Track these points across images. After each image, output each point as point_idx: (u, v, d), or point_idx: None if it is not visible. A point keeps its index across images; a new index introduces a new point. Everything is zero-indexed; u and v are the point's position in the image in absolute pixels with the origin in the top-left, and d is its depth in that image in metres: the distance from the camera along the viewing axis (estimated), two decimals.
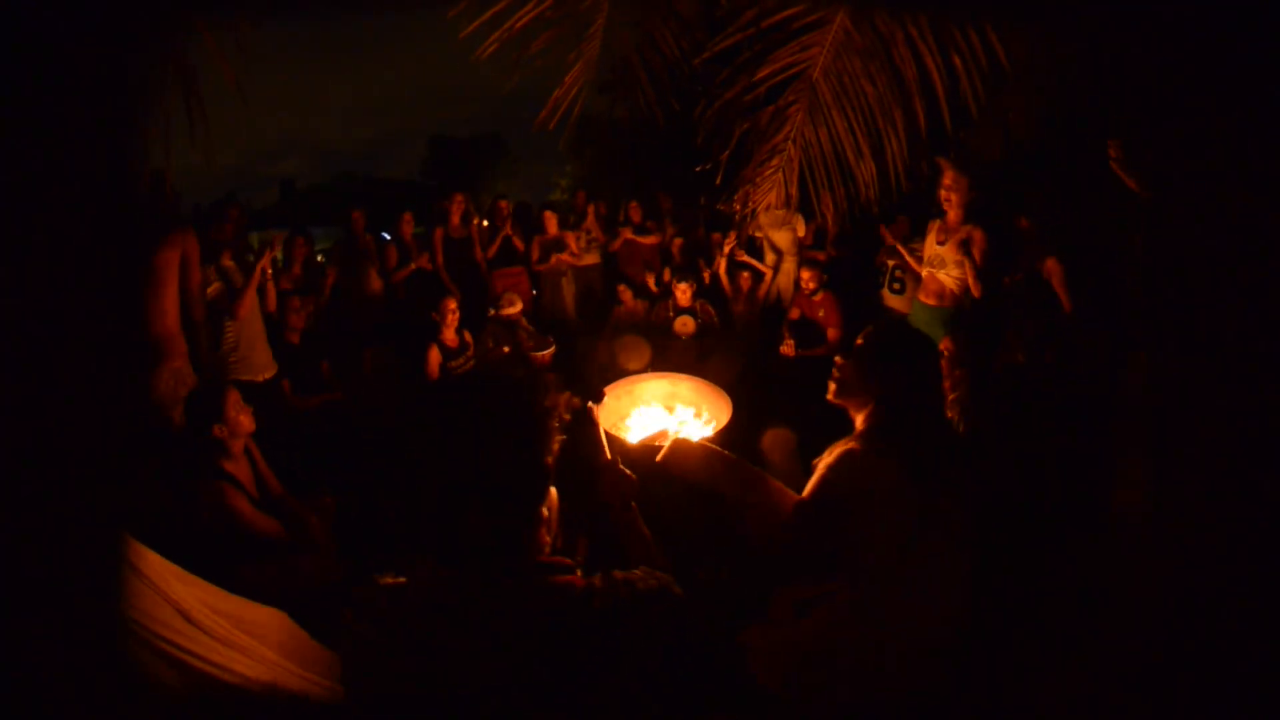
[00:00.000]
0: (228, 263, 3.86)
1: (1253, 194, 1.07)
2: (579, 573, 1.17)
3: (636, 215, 6.87)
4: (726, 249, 5.86)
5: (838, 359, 2.04)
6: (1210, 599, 1.21)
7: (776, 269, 6.02)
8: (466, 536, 1.11)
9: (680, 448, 2.05)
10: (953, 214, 3.88)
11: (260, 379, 3.95)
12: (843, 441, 1.90)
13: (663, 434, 3.59)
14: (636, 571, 1.20)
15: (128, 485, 1.07)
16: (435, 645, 1.06)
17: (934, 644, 1.78)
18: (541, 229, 6.51)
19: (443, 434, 1.12)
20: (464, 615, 1.07)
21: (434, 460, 1.11)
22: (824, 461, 1.89)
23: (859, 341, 2.00)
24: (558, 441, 1.21)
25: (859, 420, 1.95)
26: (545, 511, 1.17)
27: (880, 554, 1.76)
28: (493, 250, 6.19)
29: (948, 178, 3.81)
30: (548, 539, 1.19)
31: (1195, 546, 1.22)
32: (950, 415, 2.99)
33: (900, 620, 1.75)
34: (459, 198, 6.08)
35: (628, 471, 1.64)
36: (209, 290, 3.75)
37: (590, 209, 6.75)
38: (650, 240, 6.75)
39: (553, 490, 1.23)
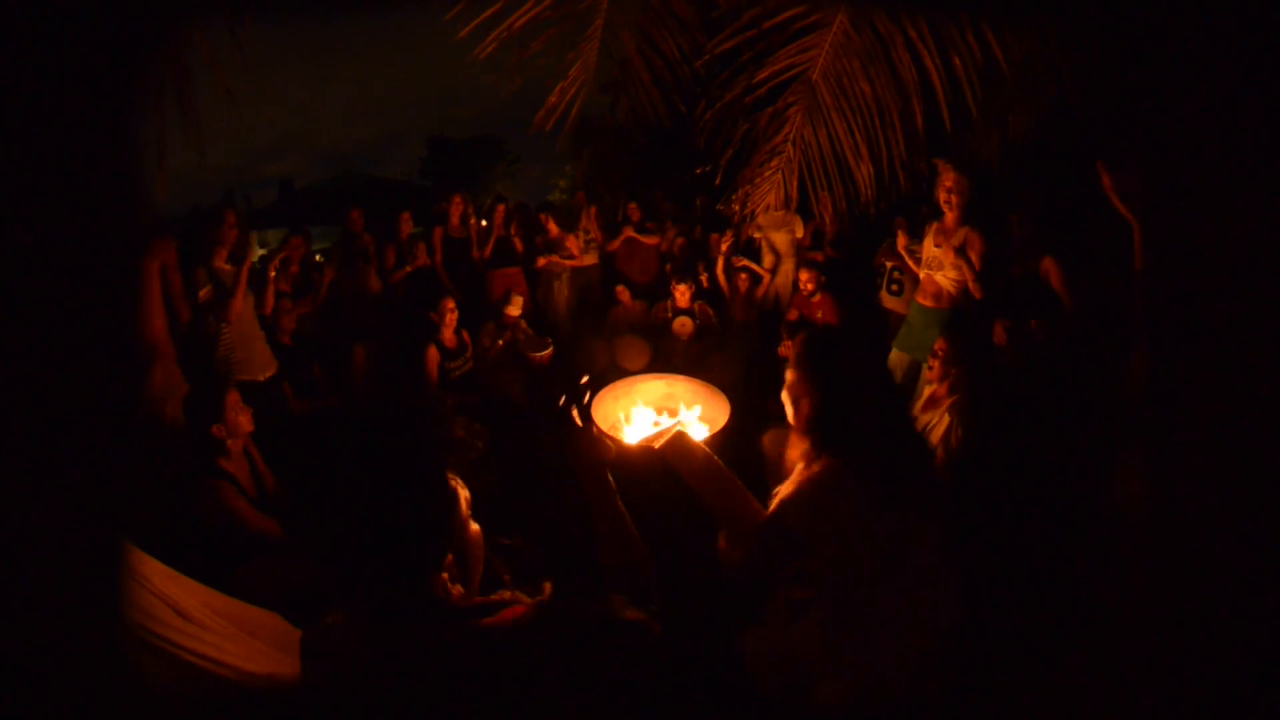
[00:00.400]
0: (223, 265, 3.85)
1: (1252, 192, 1.08)
2: (513, 604, 1.09)
3: (635, 215, 6.87)
4: (724, 248, 5.86)
5: (784, 393, 1.97)
6: (1210, 599, 1.21)
7: (775, 270, 6.03)
8: (367, 582, 1.05)
9: (681, 442, 2.04)
10: (951, 216, 3.88)
11: (261, 378, 3.94)
12: (794, 476, 1.88)
13: (660, 435, 3.60)
14: (576, 600, 1.13)
15: (128, 485, 1.07)
16: (370, 690, 1.01)
17: (922, 653, 1.78)
18: (540, 229, 6.51)
19: (336, 476, 1.05)
20: (382, 663, 1.02)
21: (329, 503, 1.05)
22: (781, 493, 1.87)
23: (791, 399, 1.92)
24: (459, 481, 1.14)
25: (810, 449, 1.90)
26: (450, 556, 1.10)
27: (850, 577, 1.75)
28: (489, 250, 6.19)
29: (949, 179, 3.82)
30: (455, 588, 1.11)
31: (1195, 546, 1.22)
32: (948, 417, 3.00)
33: (881, 634, 1.74)
34: (458, 198, 6.08)
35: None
36: (200, 293, 3.76)
37: (589, 210, 6.75)
38: (652, 240, 6.75)
39: (475, 526, 1.17)
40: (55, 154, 1.01)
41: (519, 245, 6.31)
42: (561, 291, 6.43)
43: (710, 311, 5.59)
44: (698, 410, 3.74)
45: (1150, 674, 1.34)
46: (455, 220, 6.02)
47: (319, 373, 4.58)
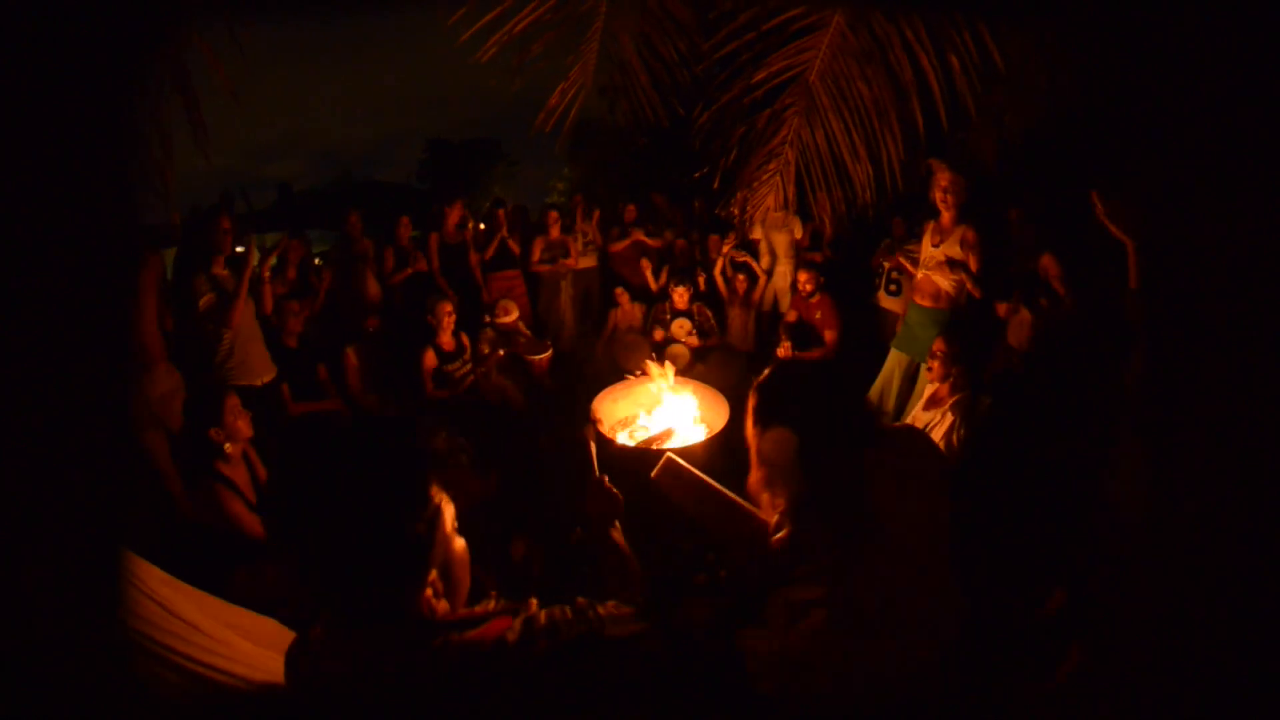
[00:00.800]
0: (221, 271, 3.85)
1: (1250, 191, 1.08)
2: (517, 614, 1.09)
3: (631, 217, 6.87)
4: (726, 249, 5.86)
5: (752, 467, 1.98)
6: (1210, 599, 1.21)
7: (770, 272, 6.02)
8: (347, 598, 1.03)
9: (672, 469, 2.05)
10: (948, 215, 3.88)
11: (259, 383, 3.94)
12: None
13: (661, 436, 3.61)
14: (565, 611, 1.11)
15: (126, 488, 1.07)
16: (355, 703, 1.01)
17: (926, 654, 1.78)
18: (541, 230, 6.51)
19: (316, 491, 1.03)
20: (364, 678, 1.01)
21: (309, 518, 1.03)
22: (778, 530, 1.88)
23: (762, 447, 1.93)
24: (444, 495, 1.11)
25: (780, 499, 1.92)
26: (434, 573, 1.07)
27: (854, 580, 1.76)
28: (489, 253, 6.19)
29: (944, 179, 3.82)
30: (439, 603, 1.08)
31: (1195, 546, 1.22)
32: (950, 416, 3.00)
33: (886, 635, 1.74)
34: (458, 204, 6.09)
35: (614, 490, 1.64)
36: (202, 301, 3.76)
37: (588, 213, 6.75)
38: (655, 243, 6.76)
39: (460, 541, 1.14)
40: (54, 158, 1.01)
41: (515, 247, 6.30)
42: (567, 293, 6.43)
43: (709, 313, 5.59)
44: (696, 413, 3.75)
45: (1150, 674, 1.34)
46: (451, 225, 6.01)
47: (324, 375, 4.57)
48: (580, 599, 1.16)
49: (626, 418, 3.88)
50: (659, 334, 5.55)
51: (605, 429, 3.53)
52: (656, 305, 5.71)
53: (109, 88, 1.06)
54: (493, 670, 1.01)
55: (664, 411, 3.77)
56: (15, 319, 0.97)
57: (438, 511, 1.10)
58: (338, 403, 4.54)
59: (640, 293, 6.24)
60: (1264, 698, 1.15)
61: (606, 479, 1.67)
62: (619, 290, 6.05)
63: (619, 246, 6.73)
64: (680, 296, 5.50)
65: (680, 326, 5.47)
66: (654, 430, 3.61)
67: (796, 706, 1.84)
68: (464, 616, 1.08)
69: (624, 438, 3.59)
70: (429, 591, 1.06)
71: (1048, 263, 3.88)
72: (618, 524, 1.59)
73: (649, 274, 6.25)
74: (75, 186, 1.02)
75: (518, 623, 1.06)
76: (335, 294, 5.48)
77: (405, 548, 1.03)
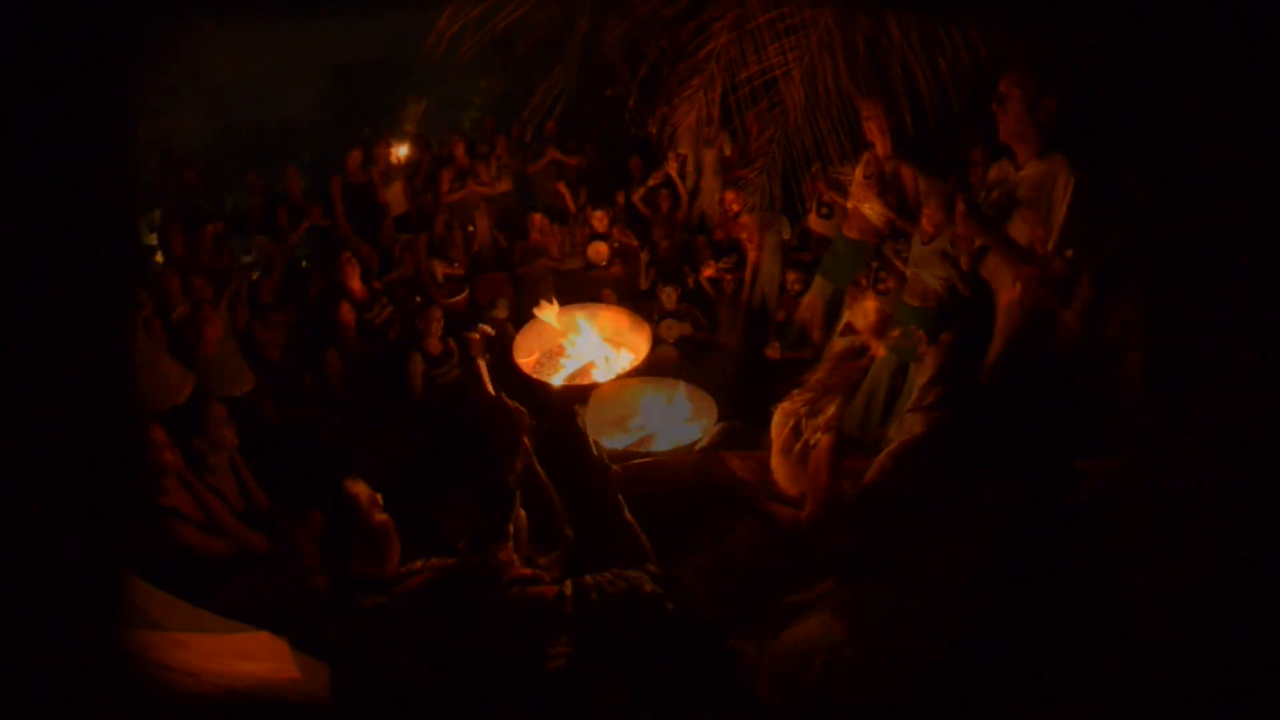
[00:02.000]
0: (197, 281, 3.80)
1: (1247, 187, 1.07)
2: (550, 578, 1.22)
3: (550, 130, 6.69)
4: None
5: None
6: (1210, 599, 1.21)
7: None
8: (445, 551, 1.15)
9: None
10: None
11: (238, 393, 3.90)
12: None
13: (587, 369, 3.52)
14: (605, 574, 1.24)
15: (122, 507, 1.05)
16: (417, 657, 1.10)
17: (932, 647, 1.77)
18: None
19: (424, 455, 1.19)
20: (444, 629, 1.11)
21: (417, 478, 1.19)
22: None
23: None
24: (520, 462, 1.26)
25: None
26: (511, 528, 1.20)
27: (907, 552, 1.77)
28: (419, 180, 6.04)
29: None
30: (515, 556, 1.21)
31: (1195, 546, 1.22)
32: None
33: (905, 624, 1.74)
34: (384, 142, 5.99)
35: (514, 405, 1.58)
36: (175, 312, 3.72)
37: (499, 134, 6.61)
38: (574, 160, 6.65)
39: (522, 513, 1.26)
40: (55, 155, 0.99)
41: (502, 241, 6.21)
42: (483, 223, 6.25)
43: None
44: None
45: (1150, 673, 1.34)
46: (354, 165, 5.75)
47: (310, 382, 4.50)
48: (611, 570, 1.28)
49: (550, 350, 3.83)
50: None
51: (529, 369, 3.51)
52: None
53: (106, 84, 1.05)
54: (549, 621, 1.13)
55: (582, 343, 3.72)
56: (16, 323, 0.95)
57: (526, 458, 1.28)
58: (320, 409, 4.47)
59: (559, 215, 6.13)
60: (1262, 696, 1.15)
61: (504, 395, 1.63)
62: (536, 216, 5.95)
63: (536, 166, 6.60)
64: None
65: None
66: (578, 364, 3.57)
67: (793, 705, 1.83)
68: (528, 574, 1.20)
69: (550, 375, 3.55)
70: (510, 544, 1.19)
71: (1057, 264, 3.87)
72: (531, 450, 1.55)
73: (567, 197, 6.15)
74: (76, 190, 1.00)
75: (568, 583, 1.20)
76: (323, 296, 5.38)
77: (500, 499, 1.20)
